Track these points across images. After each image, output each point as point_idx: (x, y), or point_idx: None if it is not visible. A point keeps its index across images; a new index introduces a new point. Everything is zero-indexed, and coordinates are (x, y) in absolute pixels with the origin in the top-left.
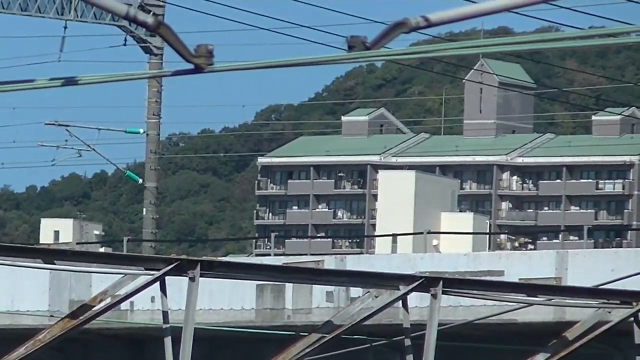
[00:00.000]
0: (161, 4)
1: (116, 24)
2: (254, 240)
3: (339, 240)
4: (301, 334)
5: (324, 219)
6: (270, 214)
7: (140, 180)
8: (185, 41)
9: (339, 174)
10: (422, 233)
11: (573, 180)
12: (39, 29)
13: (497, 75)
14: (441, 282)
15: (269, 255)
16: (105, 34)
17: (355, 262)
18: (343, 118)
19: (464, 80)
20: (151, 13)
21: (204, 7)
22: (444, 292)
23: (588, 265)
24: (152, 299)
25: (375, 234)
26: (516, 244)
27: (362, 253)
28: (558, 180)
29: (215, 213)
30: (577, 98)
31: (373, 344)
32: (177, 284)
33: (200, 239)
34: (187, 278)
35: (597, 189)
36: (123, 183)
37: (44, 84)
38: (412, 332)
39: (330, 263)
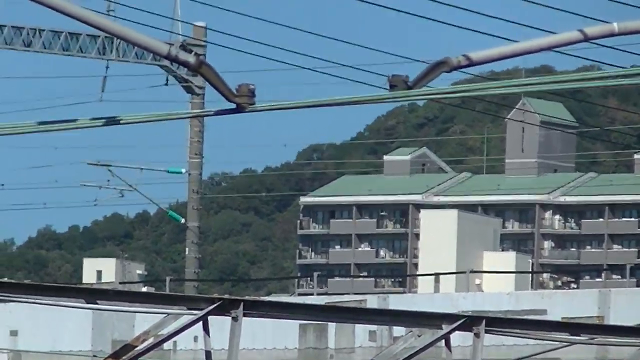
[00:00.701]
0: (202, 43)
1: (158, 64)
2: (297, 280)
3: (382, 280)
4: None
5: (366, 258)
6: (313, 253)
7: (183, 220)
8: (227, 80)
9: (381, 213)
10: (464, 272)
11: (615, 219)
12: (80, 68)
13: (538, 114)
14: (484, 321)
15: (312, 294)
16: (147, 73)
17: (397, 301)
18: (385, 157)
19: (505, 119)
20: (193, 53)
21: (245, 46)
22: (486, 331)
23: (630, 304)
24: (195, 339)
25: (418, 273)
26: (559, 283)
27: (404, 292)
28: (600, 219)
29: (257, 252)
30: (619, 136)
31: None
32: (220, 324)
33: (243, 278)
34: (230, 318)
35: (639, 228)
36: (165, 223)
37: (85, 123)
38: None
39: (372, 302)
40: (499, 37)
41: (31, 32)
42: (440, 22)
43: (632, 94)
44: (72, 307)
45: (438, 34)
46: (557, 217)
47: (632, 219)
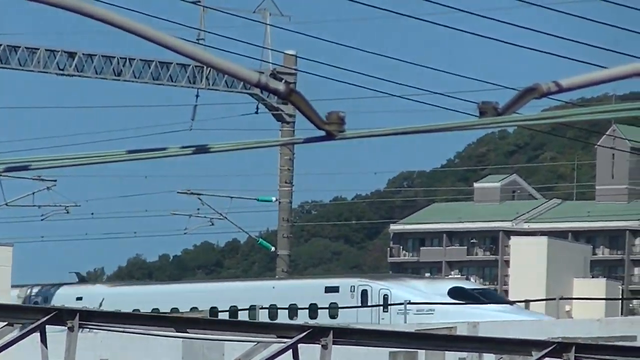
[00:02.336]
0: (293, 72)
1: (248, 92)
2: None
3: None
4: None
5: None
6: None
7: (273, 248)
8: (317, 108)
9: (472, 241)
10: (554, 299)
11: None
12: (170, 97)
13: (629, 140)
14: (574, 348)
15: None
16: (237, 102)
17: (487, 329)
18: (475, 184)
19: (595, 146)
20: (283, 81)
21: (335, 74)
22: (576, 358)
23: None
24: None
25: (508, 300)
26: None
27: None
28: None
29: None
30: None
31: None
32: (311, 351)
33: (333, 306)
34: (320, 345)
35: None
36: (255, 251)
37: (175, 152)
38: None
39: (462, 329)
40: (589, 63)
41: (121, 62)
42: (531, 49)
43: None
44: (163, 335)
45: (528, 61)
46: None
47: None
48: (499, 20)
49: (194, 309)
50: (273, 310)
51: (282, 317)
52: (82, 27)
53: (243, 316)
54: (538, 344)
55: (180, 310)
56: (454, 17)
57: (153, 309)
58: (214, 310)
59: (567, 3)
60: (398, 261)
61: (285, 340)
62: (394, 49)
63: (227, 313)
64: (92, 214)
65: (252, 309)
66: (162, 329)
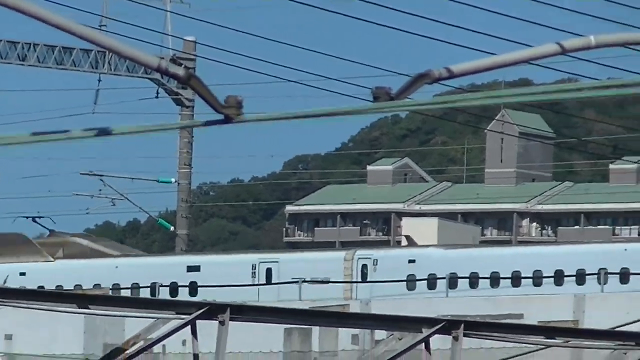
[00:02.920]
0: (192, 57)
1: (149, 77)
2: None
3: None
4: None
5: None
6: None
7: (172, 228)
8: (216, 93)
9: (364, 222)
10: (444, 278)
11: (590, 227)
12: (74, 82)
13: (517, 125)
14: (462, 325)
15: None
16: (138, 86)
17: (379, 306)
18: (368, 167)
19: (485, 131)
20: (182, 66)
21: (234, 60)
22: (465, 335)
23: (604, 309)
24: (184, 343)
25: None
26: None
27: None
28: (576, 227)
29: None
30: (595, 147)
31: None
32: (208, 328)
33: (230, 284)
34: (217, 322)
35: (613, 235)
36: (155, 231)
37: (78, 134)
38: None
39: (355, 307)
40: (480, 50)
41: (26, 47)
42: (423, 36)
43: (609, 106)
44: (65, 312)
45: (422, 47)
46: (534, 224)
47: (607, 226)
48: (393, 9)
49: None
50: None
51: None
52: None
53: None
54: (428, 322)
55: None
56: (353, 4)
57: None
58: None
59: None
60: (293, 241)
61: (184, 316)
62: (291, 35)
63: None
64: None
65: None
66: (65, 306)
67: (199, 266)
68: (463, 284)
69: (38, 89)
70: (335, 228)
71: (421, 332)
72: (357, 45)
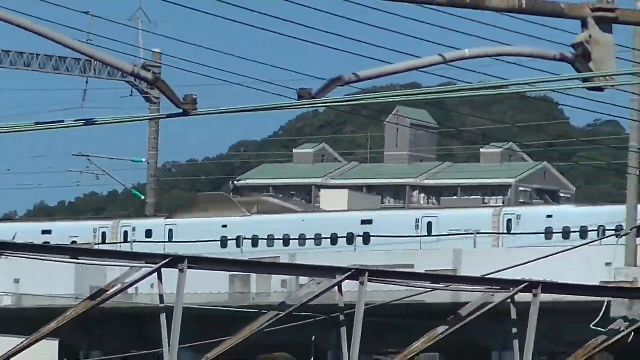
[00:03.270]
0: (159, 65)
1: (125, 80)
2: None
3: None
4: (262, 311)
5: None
6: None
7: (143, 197)
8: (177, 92)
9: (292, 192)
10: (352, 236)
11: (465, 197)
12: (67, 84)
13: (409, 118)
14: (367, 273)
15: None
16: (117, 87)
17: (303, 258)
18: (294, 150)
19: (384, 122)
20: (151, 72)
21: (192, 67)
22: (369, 281)
23: (477, 261)
24: (152, 286)
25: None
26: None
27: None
28: (455, 197)
29: None
30: (469, 135)
31: (316, 319)
32: (172, 274)
33: (189, 240)
34: (178, 270)
35: (483, 203)
36: (130, 199)
37: (71, 124)
38: (345, 310)
39: (284, 259)
40: (375, 59)
41: (30, 56)
42: (333, 48)
43: (480, 104)
44: (60, 262)
45: (334, 55)
46: (423, 195)
47: (478, 196)
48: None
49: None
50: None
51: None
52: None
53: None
54: (341, 270)
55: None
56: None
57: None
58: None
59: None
60: None
61: (152, 265)
62: (242, 46)
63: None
64: (9, 170)
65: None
66: (60, 257)
67: (372, 220)
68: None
69: (39, 89)
70: None
71: (335, 278)
72: (285, 50)
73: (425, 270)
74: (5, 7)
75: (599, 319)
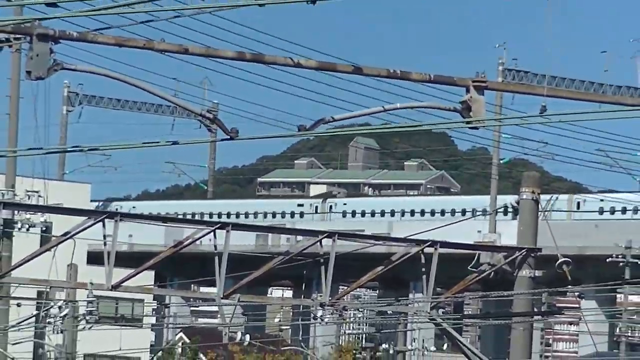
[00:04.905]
0: (216, 110)
1: (196, 118)
2: None
3: None
4: (274, 255)
5: None
6: None
7: (206, 187)
8: (227, 125)
9: (294, 186)
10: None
11: (395, 190)
12: (163, 120)
13: (363, 144)
14: (336, 235)
15: None
16: (192, 123)
17: (301, 225)
18: (295, 162)
19: (349, 146)
20: (212, 113)
21: (236, 111)
22: (338, 239)
23: (402, 228)
24: (210, 240)
25: None
26: None
27: None
28: (389, 190)
29: None
30: (399, 154)
31: (306, 260)
32: (222, 234)
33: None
34: (225, 231)
35: (406, 195)
36: (198, 189)
37: (164, 143)
38: (324, 256)
39: (289, 225)
40: (344, 108)
41: (140, 103)
42: (321, 102)
43: (405, 135)
44: (156, 224)
45: (324, 104)
46: (371, 189)
47: (402, 190)
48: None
49: None
50: None
51: None
52: None
53: None
54: (321, 233)
55: None
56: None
57: None
58: None
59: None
60: None
61: (210, 228)
62: (264, 96)
63: None
64: (117, 168)
65: None
66: (157, 222)
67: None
68: None
69: (143, 124)
70: None
71: (317, 237)
72: (288, 99)
73: (372, 233)
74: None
75: (473, 263)
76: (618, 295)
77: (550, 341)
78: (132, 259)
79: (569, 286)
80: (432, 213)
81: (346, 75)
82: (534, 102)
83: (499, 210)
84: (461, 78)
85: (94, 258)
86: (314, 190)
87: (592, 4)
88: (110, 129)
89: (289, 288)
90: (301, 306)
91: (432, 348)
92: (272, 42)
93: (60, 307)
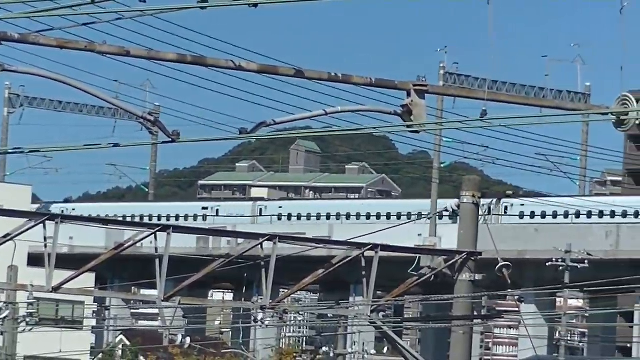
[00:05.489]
0: (157, 112)
1: (137, 121)
2: None
3: None
4: (215, 258)
5: None
6: None
7: (147, 190)
8: (168, 128)
9: (235, 189)
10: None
11: (336, 194)
12: (105, 122)
13: (304, 147)
14: (277, 237)
15: None
16: (133, 125)
17: (243, 228)
18: (237, 164)
19: (290, 149)
20: (153, 116)
21: (178, 114)
22: (279, 241)
23: (342, 231)
24: (151, 242)
25: None
26: None
27: None
28: (330, 194)
29: None
30: (340, 157)
31: (247, 263)
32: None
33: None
34: (167, 234)
35: (347, 198)
36: (139, 191)
37: (106, 145)
38: (265, 259)
39: (231, 227)
40: (286, 111)
41: (82, 106)
42: (263, 105)
43: (346, 138)
44: (96, 227)
45: (265, 106)
46: (312, 193)
47: (343, 194)
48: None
49: None
50: None
51: None
52: None
53: None
54: (262, 235)
55: None
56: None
57: None
58: None
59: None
60: None
61: (151, 230)
62: (208, 99)
63: None
64: (60, 169)
65: None
66: (98, 224)
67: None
68: None
69: (85, 126)
70: None
71: (258, 239)
72: (230, 102)
73: (313, 236)
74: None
75: (413, 267)
76: (557, 299)
77: (490, 345)
78: (73, 261)
79: (509, 290)
80: (371, 217)
81: (288, 79)
82: (474, 106)
83: (439, 214)
84: (402, 82)
85: (35, 260)
86: (256, 194)
87: (533, 8)
88: (51, 130)
89: (230, 291)
90: (242, 309)
91: (372, 351)
92: (215, 44)
93: (0, 309)
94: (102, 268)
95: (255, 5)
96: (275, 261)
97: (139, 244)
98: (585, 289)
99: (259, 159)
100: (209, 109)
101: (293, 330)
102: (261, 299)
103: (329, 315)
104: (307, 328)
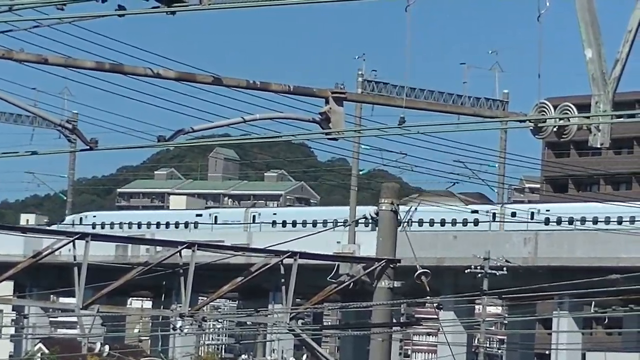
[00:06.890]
0: (75, 120)
1: (56, 128)
2: None
3: None
4: (134, 266)
5: None
6: None
7: (65, 198)
8: (86, 136)
9: (153, 197)
10: (188, 223)
11: (255, 201)
12: (24, 130)
13: (223, 154)
14: (196, 245)
15: None
16: (51, 133)
17: (161, 235)
18: (155, 172)
19: (208, 157)
20: (71, 124)
21: (96, 122)
22: (197, 249)
23: (261, 238)
24: (70, 250)
25: None
26: None
27: None
28: (248, 201)
29: None
30: (258, 165)
31: (166, 271)
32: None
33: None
34: (85, 241)
35: (265, 206)
36: (57, 199)
37: (24, 153)
38: (184, 267)
39: (149, 235)
40: (204, 119)
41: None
42: (181, 113)
43: (264, 146)
44: (14, 235)
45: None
46: (231, 200)
47: (262, 201)
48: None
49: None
50: None
51: None
52: None
53: None
54: (180, 243)
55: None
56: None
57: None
58: None
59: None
60: None
61: (70, 238)
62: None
63: None
64: None
65: None
66: (15, 232)
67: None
68: None
69: (6, 133)
70: None
71: (177, 247)
72: (150, 110)
73: (232, 244)
74: None
75: (332, 274)
76: (476, 306)
77: (409, 352)
78: None
79: (428, 297)
80: (292, 224)
81: (206, 86)
82: (393, 113)
83: (358, 221)
84: (320, 89)
85: None
86: (174, 202)
87: (451, 15)
88: None
89: (149, 298)
90: (160, 317)
91: (292, 359)
92: (133, 52)
93: None
94: (20, 276)
95: (174, 12)
96: (194, 269)
97: (57, 252)
98: (503, 296)
99: (178, 167)
100: (128, 116)
101: (212, 338)
102: (180, 306)
103: (247, 322)
104: (226, 336)
